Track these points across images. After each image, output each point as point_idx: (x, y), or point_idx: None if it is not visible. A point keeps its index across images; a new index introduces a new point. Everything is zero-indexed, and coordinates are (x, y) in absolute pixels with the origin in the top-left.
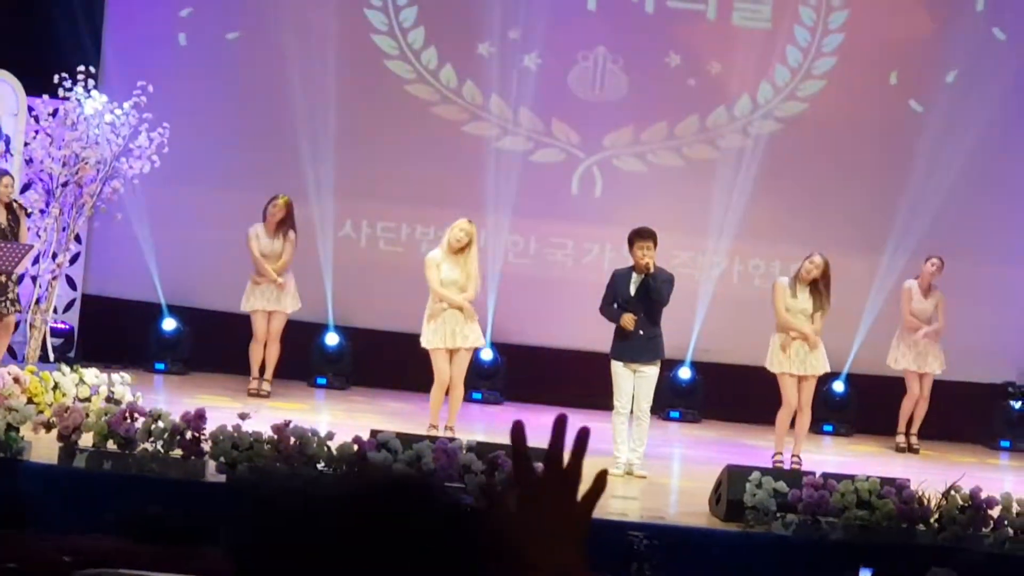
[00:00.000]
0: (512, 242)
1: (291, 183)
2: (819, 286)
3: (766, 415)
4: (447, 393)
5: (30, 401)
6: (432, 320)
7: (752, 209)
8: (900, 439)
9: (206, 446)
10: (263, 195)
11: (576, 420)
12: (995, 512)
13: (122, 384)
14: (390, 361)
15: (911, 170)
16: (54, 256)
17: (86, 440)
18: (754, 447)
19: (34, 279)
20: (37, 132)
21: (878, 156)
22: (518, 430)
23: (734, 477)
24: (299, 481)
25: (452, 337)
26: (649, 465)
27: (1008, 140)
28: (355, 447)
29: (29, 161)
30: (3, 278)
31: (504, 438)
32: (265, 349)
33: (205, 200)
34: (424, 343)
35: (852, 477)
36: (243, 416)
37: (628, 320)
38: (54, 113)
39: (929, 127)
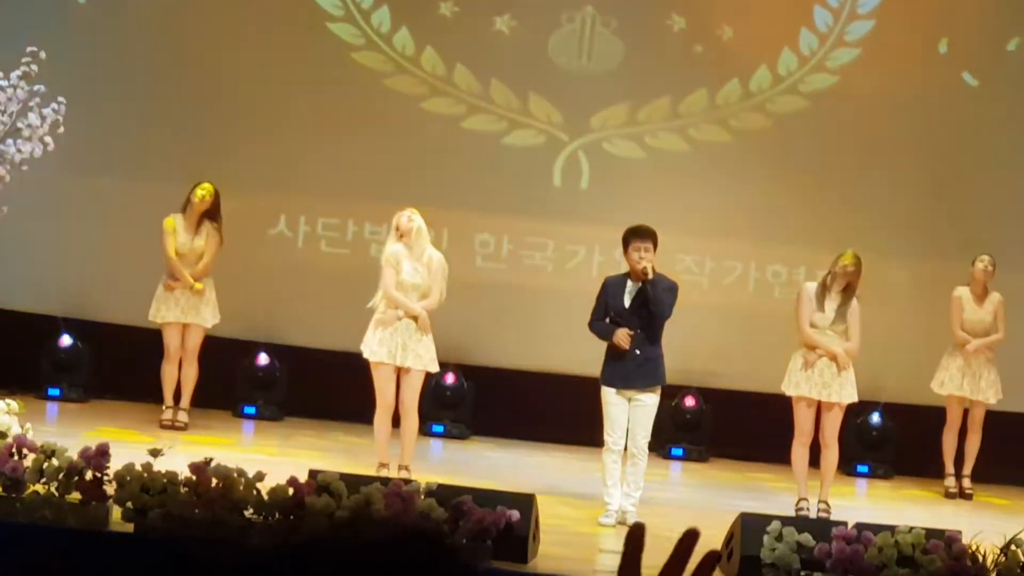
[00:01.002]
0: (481, 242)
1: (213, 171)
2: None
3: (787, 453)
4: (396, 424)
5: None
6: (381, 327)
7: (771, 204)
8: (949, 482)
9: (110, 489)
10: (179, 185)
11: (560, 458)
12: None
13: (8, 414)
14: (332, 386)
15: (964, 157)
16: None
17: None
18: (773, 492)
19: None
20: None
21: (924, 140)
22: (638, 534)
23: (749, 528)
24: (297, 538)
25: (402, 352)
26: (646, 514)
27: None
28: (291, 490)
29: None
30: None
31: (470, 479)
32: (180, 371)
33: (109, 191)
34: (367, 353)
35: (892, 528)
36: (154, 453)
37: (623, 337)
38: None
39: (986, 104)
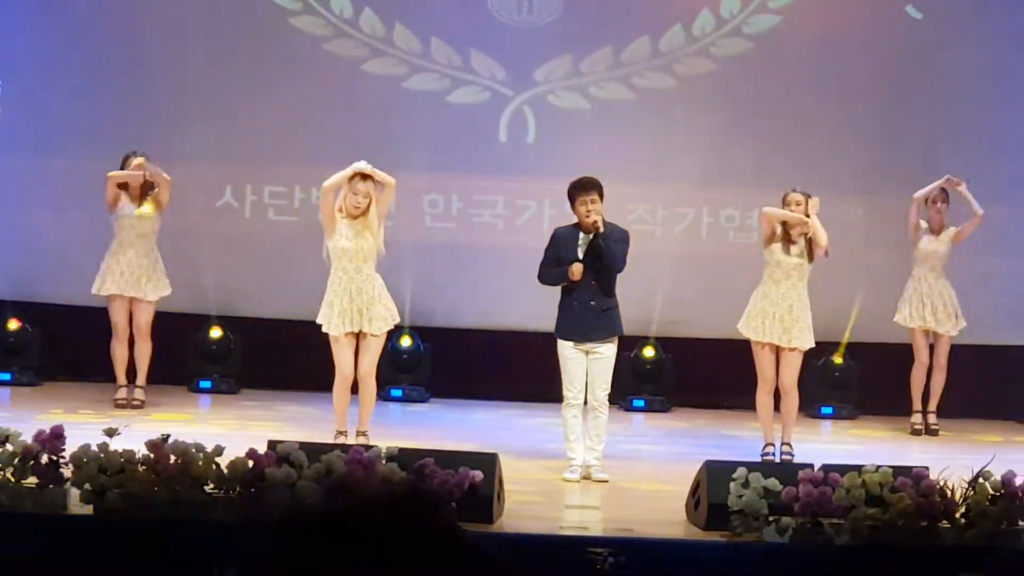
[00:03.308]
0: (430, 202)
1: (155, 144)
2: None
3: (751, 399)
4: (354, 392)
5: None
6: (334, 298)
7: (722, 148)
8: (916, 419)
9: (67, 471)
10: (121, 161)
11: (521, 416)
12: None
13: None
14: (288, 356)
15: (912, 93)
16: None
17: None
18: (737, 438)
19: None
20: None
21: (871, 75)
22: None
23: (715, 476)
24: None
25: (359, 318)
26: (611, 467)
27: None
28: (250, 463)
29: None
30: None
31: (431, 442)
32: (132, 349)
33: (49, 169)
34: (325, 327)
35: (859, 468)
36: (110, 432)
37: (575, 269)
38: None
39: (931, 38)
